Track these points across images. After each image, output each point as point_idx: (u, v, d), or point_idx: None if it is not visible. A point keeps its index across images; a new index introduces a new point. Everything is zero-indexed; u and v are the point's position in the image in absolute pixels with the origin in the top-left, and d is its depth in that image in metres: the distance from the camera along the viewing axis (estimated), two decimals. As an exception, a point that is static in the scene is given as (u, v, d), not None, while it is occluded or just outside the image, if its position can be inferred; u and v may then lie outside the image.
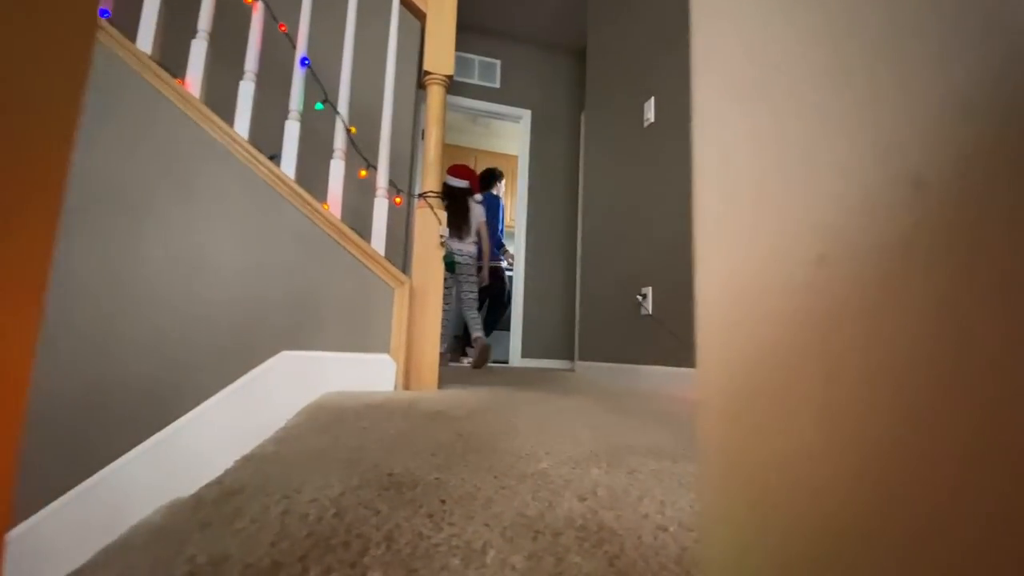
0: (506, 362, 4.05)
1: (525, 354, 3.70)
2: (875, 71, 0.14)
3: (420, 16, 1.41)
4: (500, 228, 3.98)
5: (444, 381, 1.52)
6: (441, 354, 2.92)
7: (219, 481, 0.44)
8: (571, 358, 3.76)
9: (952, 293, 0.12)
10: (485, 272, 3.06)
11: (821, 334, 0.14)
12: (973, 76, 0.12)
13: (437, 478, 0.46)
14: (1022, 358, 0.10)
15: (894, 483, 0.12)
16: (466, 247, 2.84)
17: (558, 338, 3.78)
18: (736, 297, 0.18)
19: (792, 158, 0.16)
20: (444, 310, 2.93)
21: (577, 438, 0.68)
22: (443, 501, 0.40)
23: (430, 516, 0.37)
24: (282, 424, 0.78)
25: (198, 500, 0.39)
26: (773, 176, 0.16)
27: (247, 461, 0.52)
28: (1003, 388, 0.10)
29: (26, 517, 0.89)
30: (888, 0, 0.14)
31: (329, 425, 0.70)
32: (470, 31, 3.77)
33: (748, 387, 0.17)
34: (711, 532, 0.18)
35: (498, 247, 3.93)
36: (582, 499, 0.41)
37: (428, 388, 1.24)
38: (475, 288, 2.89)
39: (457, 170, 2.89)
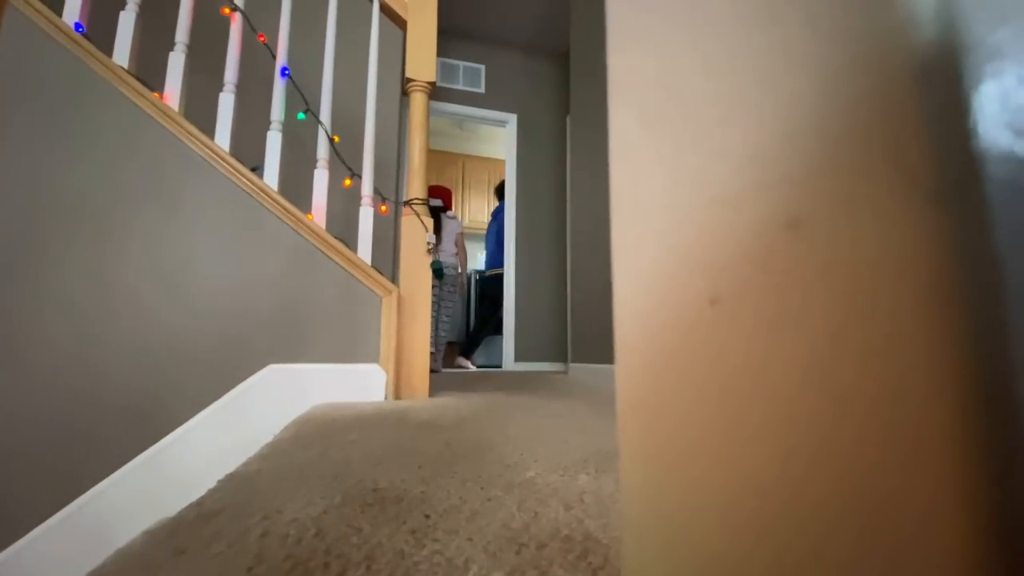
0: (499, 366, 4.04)
1: (518, 358, 3.70)
2: (761, 105, 0.14)
3: (401, 24, 1.40)
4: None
5: (436, 388, 1.51)
6: (437, 357, 3.13)
7: (199, 503, 0.43)
8: (564, 360, 3.76)
9: (825, 350, 0.12)
10: (463, 279, 3.35)
11: (716, 377, 0.15)
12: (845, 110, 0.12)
13: (423, 491, 0.46)
14: (891, 417, 0.11)
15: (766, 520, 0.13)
16: (446, 259, 3.15)
17: (551, 341, 3.78)
18: (641, 320, 0.18)
19: (689, 191, 0.16)
20: (446, 319, 3.20)
21: (567, 444, 0.67)
22: (427, 516, 0.39)
23: (413, 532, 0.36)
24: (270, 439, 0.77)
25: (176, 524, 0.38)
26: (672, 210, 0.17)
27: (229, 480, 0.51)
28: (872, 451, 0.11)
29: (5, 547, 0.87)
30: (772, 32, 0.14)
31: (315, 439, 0.69)
32: (453, 37, 3.77)
33: (650, 395, 0.17)
34: (628, 527, 0.18)
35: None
36: (568, 508, 0.41)
37: (419, 397, 1.23)
38: (455, 297, 3.22)
39: (430, 190, 3.11)
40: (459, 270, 3.20)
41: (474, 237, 5.54)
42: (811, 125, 0.13)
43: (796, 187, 0.13)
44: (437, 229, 3.03)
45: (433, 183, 5.17)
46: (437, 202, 3.06)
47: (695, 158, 0.16)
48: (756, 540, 0.13)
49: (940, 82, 0.11)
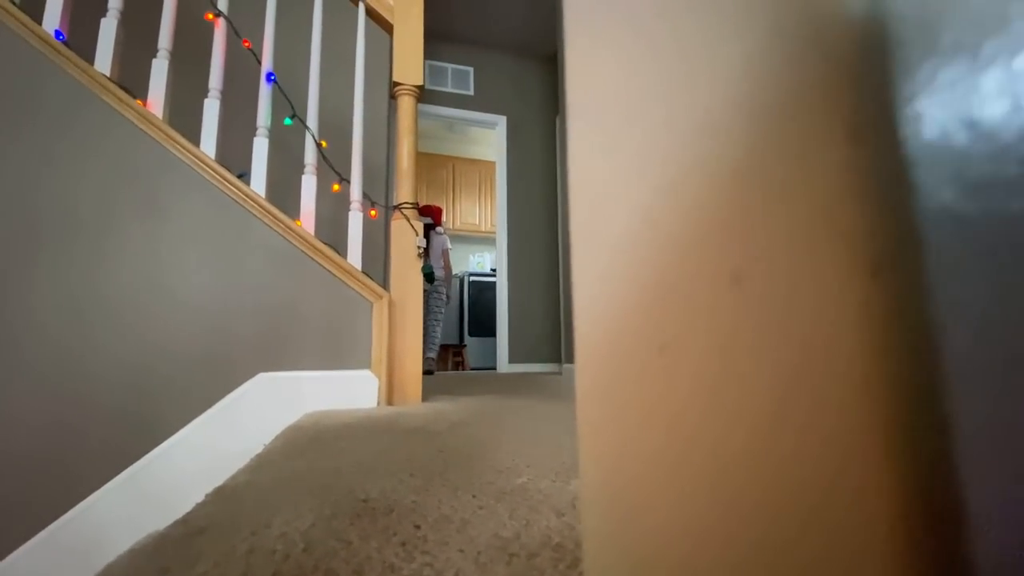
0: (494, 368, 4.04)
1: (512, 360, 3.69)
2: (700, 129, 0.14)
3: (387, 28, 1.40)
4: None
5: (430, 392, 1.51)
6: (431, 359, 3.27)
7: (184, 520, 0.42)
8: (558, 361, 3.76)
9: (767, 414, 0.12)
10: (449, 291, 3.54)
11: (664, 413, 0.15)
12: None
13: (414, 501, 0.45)
14: (825, 502, 0.11)
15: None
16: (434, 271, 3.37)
17: (544, 342, 3.78)
18: (596, 355, 0.18)
19: (641, 230, 0.16)
20: (436, 323, 3.35)
21: (560, 447, 0.67)
22: (418, 527, 0.39)
23: (403, 544, 0.36)
24: (260, 449, 0.76)
25: (160, 542, 0.38)
26: (623, 243, 0.16)
27: (217, 495, 0.50)
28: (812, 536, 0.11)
29: (-10, 564, 0.85)
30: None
31: (306, 449, 0.69)
32: (442, 39, 3.77)
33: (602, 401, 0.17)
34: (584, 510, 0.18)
35: None
36: (560, 515, 0.41)
37: (412, 402, 1.22)
38: (441, 307, 3.43)
39: (421, 210, 3.34)
40: (445, 281, 3.44)
41: (467, 239, 5.54)
42: (751, 167, 0.12)
43: (736, 238, 0.12)
44: (426, 245, 3.15)
45: (424, 186, 5.18)
46: (426, 219, 3.21)
47: (647, 195, 0.16)
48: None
49: (872, 138, 0.11)
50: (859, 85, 0.11)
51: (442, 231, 3.46)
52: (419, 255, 1.31)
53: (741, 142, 0.13)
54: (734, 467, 0.12)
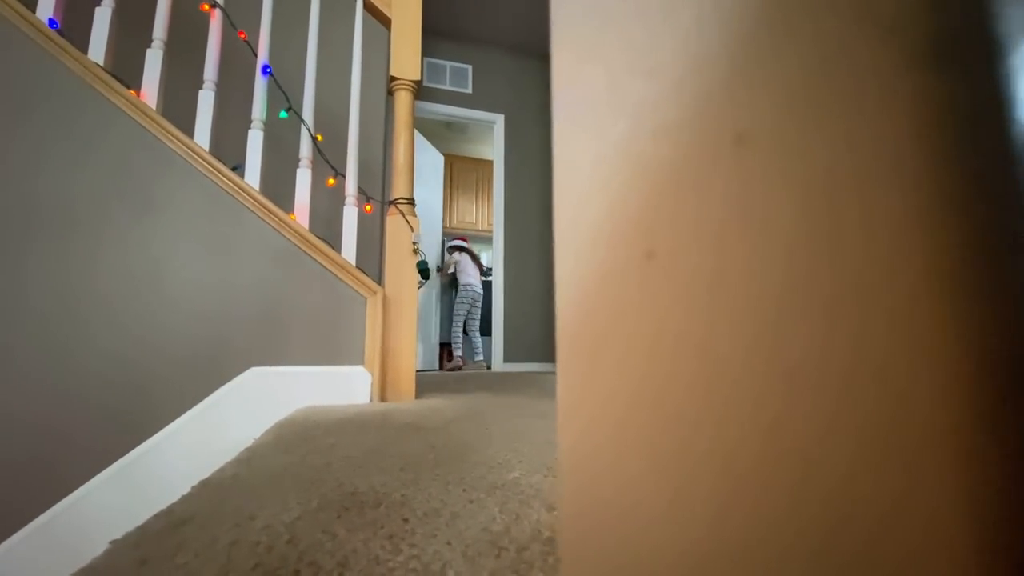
0: (489, 367, 4.03)
1: (507, 358, 3.68)
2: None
3: (385, 22, 1.39)
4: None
5: (423, 389, 1.50)
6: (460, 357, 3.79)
7: (168, 511, 0.42)
8: (553, 360, 3.75)
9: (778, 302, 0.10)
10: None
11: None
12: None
13: (403, 495, 0.45)
14: (874, 403, 0.09)
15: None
16: (480, 283, 4.01)
17: (540, 341, 3.78)
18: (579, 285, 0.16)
19: (628, 125, 0.14)
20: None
21: (552, 443, 0.66)
22: (406, 520, 0.38)
23: (390, 537, 0.35)
24: (251, 443, 0.75)
25: (142, 533, 0.37)
26: (608, 157, 0.15)
27: (203, 487, 0.49)
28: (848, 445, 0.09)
29: (-28, 557, 0.84)
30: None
31: (296, 443, 0.68)
32: (440, 37, 3.76)
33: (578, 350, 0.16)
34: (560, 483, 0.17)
35: None
36: (551, 509, 0.40)
37: (405, 398, 1.22)
38: (479, 312, 4.01)
39: (460, 239, 4.17)
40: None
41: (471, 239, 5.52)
42: None
43: (742, 84, 0.10)
44: (479, 261, 4.02)
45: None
46: (466, 243, 4.01)
47: (630, 80, 0.14)
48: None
49: None
50: None
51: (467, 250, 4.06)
52: (414, 251, 1.31)
53: None
54: (733, 392, 0.11)
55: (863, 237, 0.08)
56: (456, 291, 3.93)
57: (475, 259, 4.01)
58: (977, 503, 0.08)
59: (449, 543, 0.34)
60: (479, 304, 3.97)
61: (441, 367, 4.29)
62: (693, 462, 0.12)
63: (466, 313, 3.88)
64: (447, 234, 4.71)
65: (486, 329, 4.18)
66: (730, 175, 0.11)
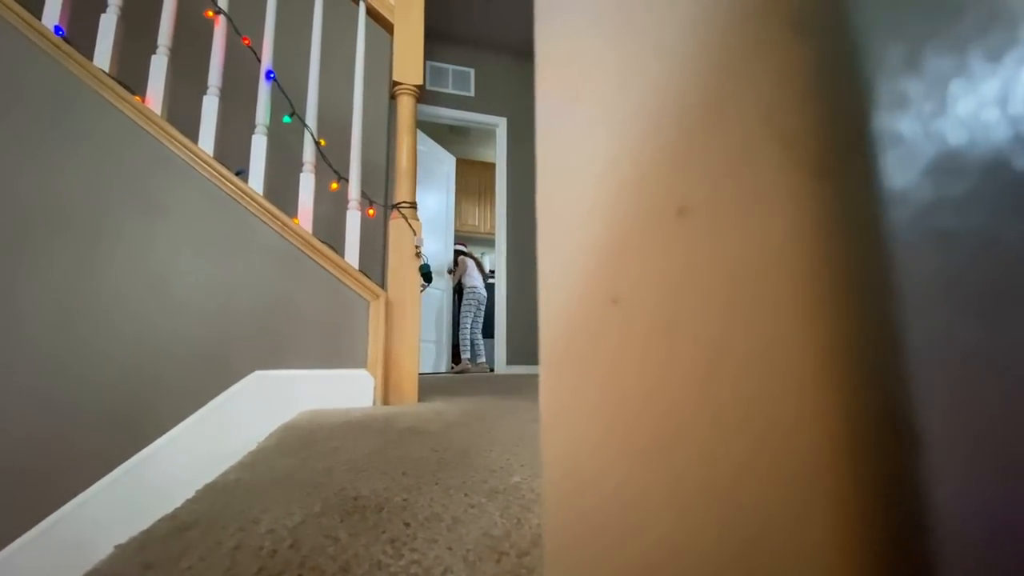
0: (492, 370, 4.03)
1: (511, 361, 3.68)
2: (649, 73, 0.14)
3: (388, 27, 1.40)
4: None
5: (426, 392, 1.50)
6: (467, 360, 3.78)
7: (173, 515, 0.42)
8: (557, 363, 3.75)
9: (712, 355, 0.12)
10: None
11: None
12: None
13: (405, 499, 0.45)
14: (768, 434, 0.10)
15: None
16: (484, 286, 4.07)
17: (543, 344, 3.77)
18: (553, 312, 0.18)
19: (599, 176, 0.16)
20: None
21: (554, 448, 0.67)
22: (407, 524, 0.39)
23: (392, 542, 0.35)
24: (255, 447, 0.76)
25: (147, 537, 0.37)
26: (582, 199, 0.16)
27: (207, 491, 0.50)
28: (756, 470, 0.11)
29: (-22, 560, 0.85)
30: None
31: (299, 447, 0.68)
32: (442, 40, 3.77)
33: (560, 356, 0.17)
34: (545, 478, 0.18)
35: None
36: (552, 514, 0.40)
37: (408, 401, 1.22)
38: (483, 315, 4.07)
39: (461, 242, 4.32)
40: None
41: (467, 241, 5.53)
42: (695, 98, 0.12)
43: (681, 168, 0.12)
44: (481, 266, 4.08)
45: (421, 189, 5.18)
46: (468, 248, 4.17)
47: (606, 139, 0.15)
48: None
49: (823, 30, 0.10)
50: None
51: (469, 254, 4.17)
52: (417, 254, 1.31)
53: (688, 57, 0.12)
54: (679, 426, 0.12)
55: (773, 311, 0.10)
56: (463, 294, 3.98)
57: (477, 262, 4.07)
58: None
59: (450, 548, 0.34)
60: (483, 306, 4.02)
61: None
62: (655, 486, 0.13)
63: (473, 315, 3.95)
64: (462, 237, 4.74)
65: (488, 332, 4.19)
66: (678, 239, 0.12)
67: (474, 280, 3.96)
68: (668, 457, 0.12)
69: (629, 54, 0.14)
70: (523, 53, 4.01)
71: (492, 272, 4.29)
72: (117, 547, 0.38)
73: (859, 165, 0.09)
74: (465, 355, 3.89)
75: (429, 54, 3.73)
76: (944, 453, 0.08)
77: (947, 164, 0.08)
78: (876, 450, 0.09)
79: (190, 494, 0.53)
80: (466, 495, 0.46)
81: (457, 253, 4.10)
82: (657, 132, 0.13)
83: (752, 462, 0.10)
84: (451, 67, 3.81)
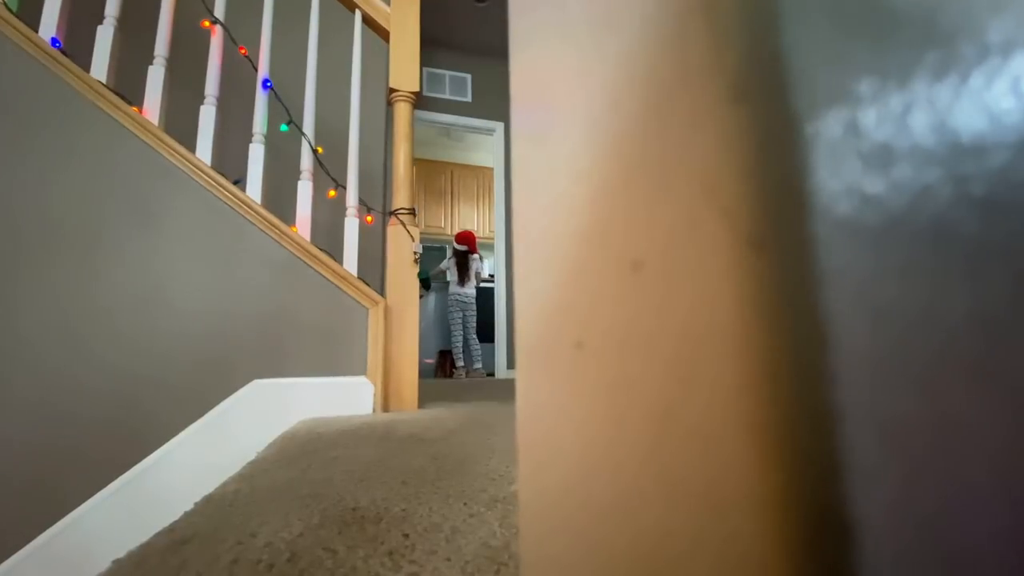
0: (492, 374, 4.02)
1: (511, 365, 3.68)
2: (605, 122, 0.14)
3: (384, 35, 1.40)
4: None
5: (427, 398, 1.50)
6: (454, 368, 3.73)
7: (171, 529, 0.42)
8: (557, 367, 3.75)
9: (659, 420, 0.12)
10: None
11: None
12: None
13: (403, 509, 0.45)
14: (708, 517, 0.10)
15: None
16: (468, 290, 4.02)
17: (543, 348, 3.77)
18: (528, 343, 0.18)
19: (562, 220, 0.16)
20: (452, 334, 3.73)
21: (554, 454, 0.66)
22: (406, 535, 0.38)
23: (390, 554, 0.35)
24: (254, 456, 0.76)
25: (144, 552, 0.37)
26: (548, 244, 0.16)
27: (205, 503, 0.49)
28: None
29: (-23, 575, 0.84)
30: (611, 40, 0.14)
31: (298, 456, 0.68)
32: (439, 47, 3.79)
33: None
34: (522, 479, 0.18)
35: None
36: (551, 523, 0.40)
37: (408, 408, 1.22)
38: (474, 319, 4.02)
39: (460, 238, 4.06)
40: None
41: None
42: (646, 159, 0.12)
43: (637, 223, 0.12)
44: (465, 267, 3.99)
45: (422, 193, 5.19)
46: (463, 247, 3.97)
47: (568, 185, 0.16)
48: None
49: (757, 102, 0.10)
50: (740, 43, 0.10)
51: (478, 256, 4.08)
52: (415, 261, 1.31)
53: (639, 117, 0.12)
54: (626, 469, 0.12)
55: (713, 379, 0.11)
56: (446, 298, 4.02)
57: (462, 265, 3.99)
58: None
59: (449, 559, 0.34)
60: (471, 310, 3.99)
61: (438, 375, 4.34)
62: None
63: (461, 319, 3.95)
64: (447, 242, 4.73)
65: (488, 336, 4.19)
66: (634, 291, 0.13)
67: (453, 285, 3.97)
68: (624, 519, 0.12)
69: (594, 103, 0.14)
70: (520, 58, 4.02)
71: (491, 277, 4.30)
72: (115, 562, 0.38)
73: (797, 236, 0.09)
74: (460, 362, 3.87)
75: (426, 60, 3.74)
76: (883, 543, 0.08)
77: (887, 233, 0.08)
78: (815, 542, 0.09)
79: (190, 505, 0.53)
80: (465, 504, 0.46)
81: (456, 252, 4.05)
82: (615, 186, 0.13)
83: (701, 537, 0.10)
84: (448, 73, 3.82)
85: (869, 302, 0.08)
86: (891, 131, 0.08)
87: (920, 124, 0.08)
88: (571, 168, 0.15)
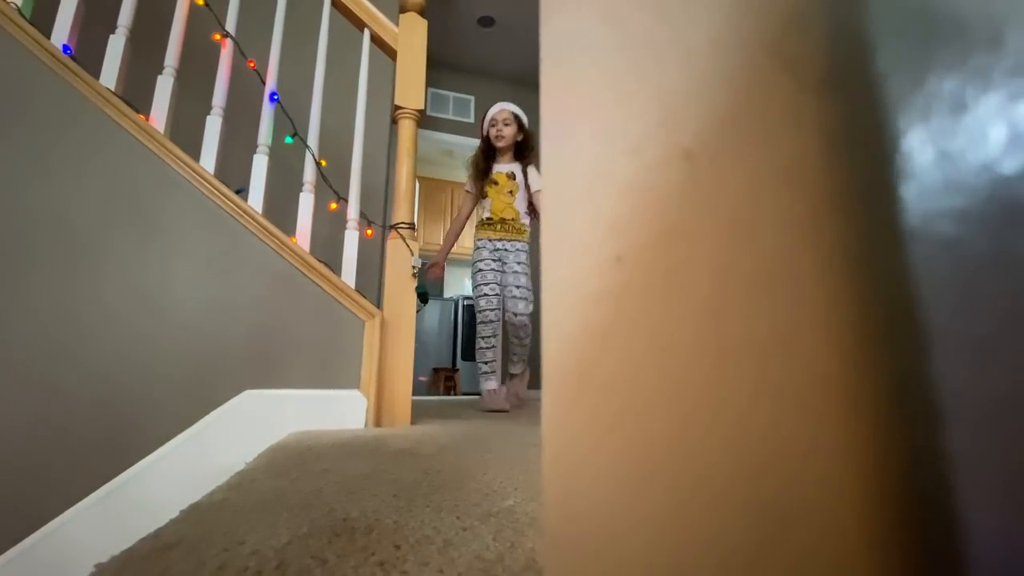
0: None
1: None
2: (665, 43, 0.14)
3: (391, 54, 1.43)
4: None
5: (420, 415, 1.48)
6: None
7: (156, 535, 0.41)
8: (552, 388, 3.71)
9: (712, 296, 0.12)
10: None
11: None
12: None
13: (395, 521, 0.44)
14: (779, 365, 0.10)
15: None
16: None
17: (539, 368, 3.74)
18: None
19: (606, 144, 0.16)
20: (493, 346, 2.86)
21: (549, 472, 0.65)
22: (398, 547, 0.38)
23: (381, 564, 0.34)
24: (243, 468, 0.74)
25: (127, 557, 0.36)
26: (593, 166, 0.17)
27: (192, 511, 0.48)
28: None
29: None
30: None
31: (288, 468, 0.67)
32: (444, 68, 3.86)
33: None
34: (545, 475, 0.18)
35: None
36: (546, 538, 0.39)
37: (401, 423, 1.20)
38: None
39: None
40: None
41: (463, 263, 5.54)
42: (703, 41, 0.12)
43: (689, 115, 0.12)
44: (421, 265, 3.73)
45: (422, 210, 5.21)
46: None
47: (616, 112, 0.16)
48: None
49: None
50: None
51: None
52: (413, 275, 1.31)
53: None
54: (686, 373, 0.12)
55: (774, 233, 0.11)
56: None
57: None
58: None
59: (441, 571, 0.33)
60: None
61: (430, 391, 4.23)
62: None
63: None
64: (452, 259, 4.73)
65: (473, 354, 4.15)
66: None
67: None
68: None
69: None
70: (521, 82, 4.10)
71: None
72: (97, 566, 0.37)
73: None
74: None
75: (431, 81, 3.81)
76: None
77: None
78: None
79: (176, 515, 0.52)
80: (458, 518, 0.45)
81: None
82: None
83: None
84: (452, 94, 3.89)
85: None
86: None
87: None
88: (623, 100, 0.16)
